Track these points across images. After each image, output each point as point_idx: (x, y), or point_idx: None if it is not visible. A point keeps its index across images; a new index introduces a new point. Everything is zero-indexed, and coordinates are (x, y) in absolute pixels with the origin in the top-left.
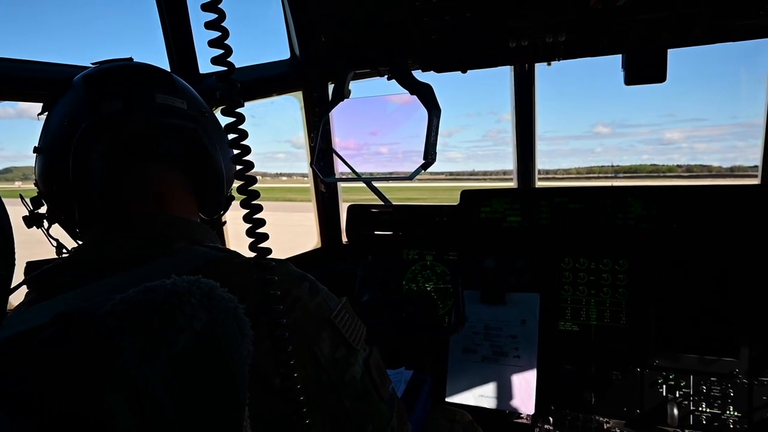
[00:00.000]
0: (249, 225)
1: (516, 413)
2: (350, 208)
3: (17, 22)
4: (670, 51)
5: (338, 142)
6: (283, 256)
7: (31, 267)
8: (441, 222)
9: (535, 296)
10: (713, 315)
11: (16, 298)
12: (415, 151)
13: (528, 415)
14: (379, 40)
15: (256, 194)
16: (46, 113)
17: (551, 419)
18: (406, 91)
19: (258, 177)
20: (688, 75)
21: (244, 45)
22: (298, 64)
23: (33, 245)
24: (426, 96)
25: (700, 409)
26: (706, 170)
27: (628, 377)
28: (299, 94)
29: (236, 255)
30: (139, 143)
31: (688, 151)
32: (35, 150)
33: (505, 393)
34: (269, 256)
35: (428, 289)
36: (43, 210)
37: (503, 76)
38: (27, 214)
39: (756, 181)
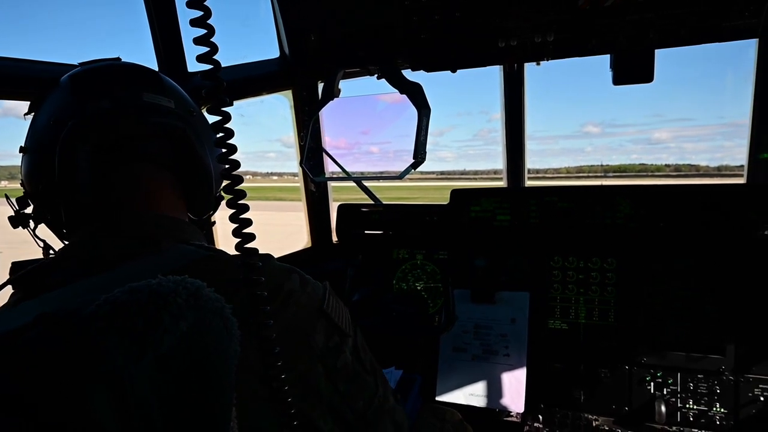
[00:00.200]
0: (235, 225)
1: (506, 411)
2: (340, 208)
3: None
4: (657, 51)
5: (328, 141)
6: (275, 255)
7: (17, 267)
8: (431, 221)
9: (525, 295)
10: (700, 313)
11: (1, 299)
12: (406, 151)
13: (518, 414)
14: (368, 39)
15: (242, 194)
16: (33, 113)
17: (541, 417)
18: (396, 91)
19: (249, 176)
20: (676, 75)
21: (233, 43)
22: (288, 62)
23: (20, 245)
24: (416, 95)
25: (688, 406)
26: (693, 170)
27: (617, 375)
28: (289, 93)
29: (223, 254)
30: (126, 142)
31: (676, 151)
32: (21, 150)
33: (495, 391)
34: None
35: (418, 288)
36: (29, 210)
37: (493, 75)
38: (13, 214)
39: (742, 181)
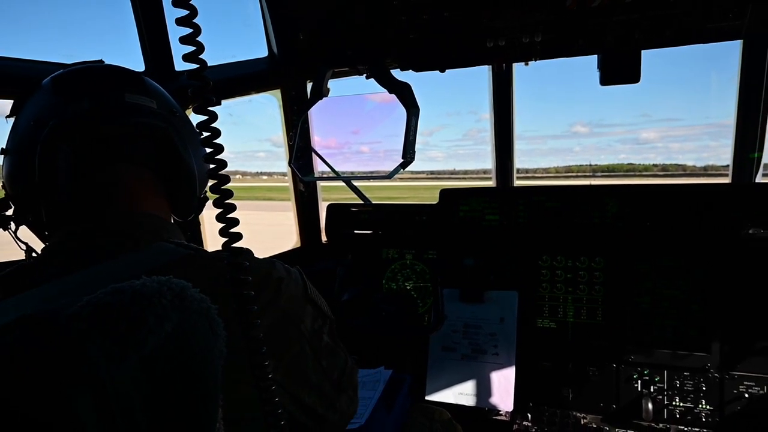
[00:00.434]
0: (222, 224)
1: (495, 410)
2: (329, 208)
3: None
4: (644, 52)
5: (318, 140)
6: (262, 256)
7: None
8: (420, 221)
9: (514, 294)
10: (686, 311)
11: None
12: (396, 150)
13: (507, 412)
14: (357, 39)
15: (229, 193)
16: (14, 116)
17: (530, 416)
18: (385, 90)
19: (238, 176)
20: (664, 76)
21: (222, 42)
22: (276, 62)
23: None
24: (404, 95)
25: (674, 403)
26: (680, 169)
27: (605, 373)
28: (277, 93)
29: (203, 252)
30: (108, 143)
31: (664, 151)
32: (2, 151)
33: (484, 390)
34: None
35: (408, 288)
36: (10, 212)
37: (483, 75)
38: None
39: (727, 180)
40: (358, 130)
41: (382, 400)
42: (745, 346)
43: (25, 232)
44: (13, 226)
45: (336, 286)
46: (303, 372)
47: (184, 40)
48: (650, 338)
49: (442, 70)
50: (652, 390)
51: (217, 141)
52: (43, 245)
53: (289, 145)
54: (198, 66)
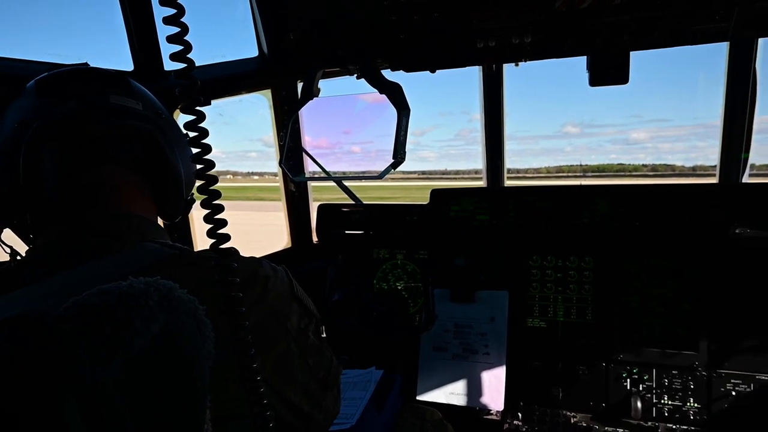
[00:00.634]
0: (210, 225)
1: (486, 410)
2: (320, 208)
3: None
4: (634, 54)
5: (309, 140)
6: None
7: None
8: (411, 221)
9: (504, 294)
10: (674, 310)
11: None
12: (388, 150)
13: (497, 412)
14: (348, 39)
15: (217, 194)
16: None
17: (520, 415)
18: (376, 90)
19: (229, 176)
20: (654, 77)
21: (211, 42)
22: (267, 61)
23: None
24: (395, 95)
25: (663, 401)
26: (670, 169)
27: (594, 372)
28: (268, 93)
29: (189, 252)
30: (93, 144)
31: (653, 151)
32: None
33: (474, 390)
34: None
35: (399, 288)
36: None
37: (475, 75)
38: None
39: (714, 180)
40: (350, 130)
41: (373, 401)
42: (732, 345)
43: (9, 235)
44: None
45: (327, 287)
46: (289, 370)
47: (171, 39)
48: (639, 337)
49: (433, 71)
50: (641, 388)
51: (204, 141)
52: (28, 248)
53: (279, 145)
54: (186, 65)
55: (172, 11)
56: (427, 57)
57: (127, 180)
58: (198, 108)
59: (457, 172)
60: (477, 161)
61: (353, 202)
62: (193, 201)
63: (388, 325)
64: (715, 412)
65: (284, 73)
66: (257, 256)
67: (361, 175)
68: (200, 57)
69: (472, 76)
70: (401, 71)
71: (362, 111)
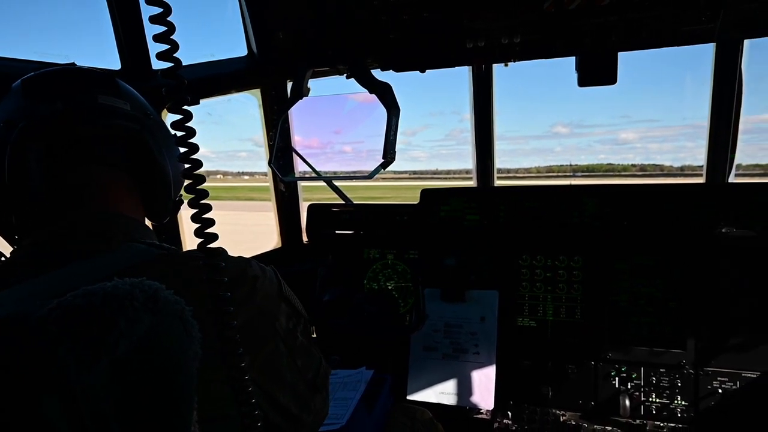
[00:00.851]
0: (198, 225)
1: (476, 409)
2: (310, 208)
3: None
4: (623, 54)
5: (299, 140)
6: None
7: None
8: (401, 221)
9: (494, 293)
10: (662, 309)
11: None
12: (379, 150)
13: (487, 411)
14: (337, 39)
15: (204, 194)
16: None
17: (510, 414)
18: (366, 90)
19: (219, 175)
20: (641, 78)
21: (200, 41)
22: (256, 61)
23: None
24: (385, 95)
25: (651, 399)
26: (658, 169)
27: (583, 370)
28: (257, 92)
29: (176, 252)
30: (80, 145)
31: (642, 151)
32: None
33: (465, 389)
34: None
35: (389, 287)
36: None
37: (465, 76)
38: None
39: (701, 180)
40: (341, 129)
41: (364, 401)
42: (718, 343)
43: None
44: None
45: (317, 287)
46: (278, 371)
47: (158, 37)
48: (627, 336)
49: (423, 71)
50: (629, 387)
51: (192, 140)
52: (12, 249)
53: (269, 145)
54: (173, 64)
55: (158, 10)
56: (416, 57)
57: (114, 180)
58: (185, 107)
59: (448, 172)
60: (468, 161)
61: (343, 202)
62: (182, 202)
63: (378, 325)
64: (702, 410)
65: (273, 72)
66: (247, 256)
67: (351, 175)
68: (189, 56)
69: (462, 76)
70: (391, 71)
71: (352, 111)
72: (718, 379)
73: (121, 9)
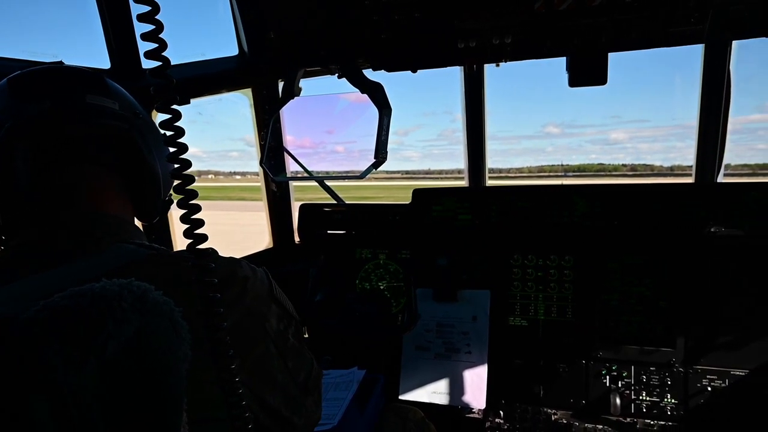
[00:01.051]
0: (187, 225)
1: (468, 408)
2: (302, 208)
3: None
4: (613, 55)
5: (291, 140)
6: (237, 256)
7: None
8: (393, 221)
9: (486, 293)
10: (652, 307)
11: None
12: (371, 150)
13: (479, 410)
14: (329, 38)
15: (193, 194)
16: None
17: (502, 413)
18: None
19: (211, 175)
20: (632, 78)
21: (191, 40)
22: (247, 60)
23: None
24: (377, 95)
25: (641, 397)
26: (648, 169)
27: (574, 369)
28: (248, 92)
29: (166, 252)
30: (68, 144)
31: (633, 151)
32: None
33: (457, 389)
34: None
35: (381, 287)
36: None
37: (457, 75)
38: None
39: (691, 180)
40: (333, 129)
41: (355, 401)
42: (707, 341)
43: None
44: None
45: (309, 287)
46: (268, 372)
47: (146, 36)
48: (618, 335)
49: (414, 71)
50: (619, 385)
51: (181, 140)
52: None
53: (260, 144)
54: (161, 63)
55: (147, 8)
56: (408, 57)
57: (102, 180)
58: (174, 107)
59: (440, 172)
60: (460, 161)
61: (335, 202)
62: (171, 201)
63: (370, 325)
64: (691, 408)
65: (265, 72)
66: (238, 256)
67: (343, 174)
68: (180, 56)
69: (454, 76)
70: (383, 71)
71: (344, 110)
72: (707, 377)
73: (110, 7)
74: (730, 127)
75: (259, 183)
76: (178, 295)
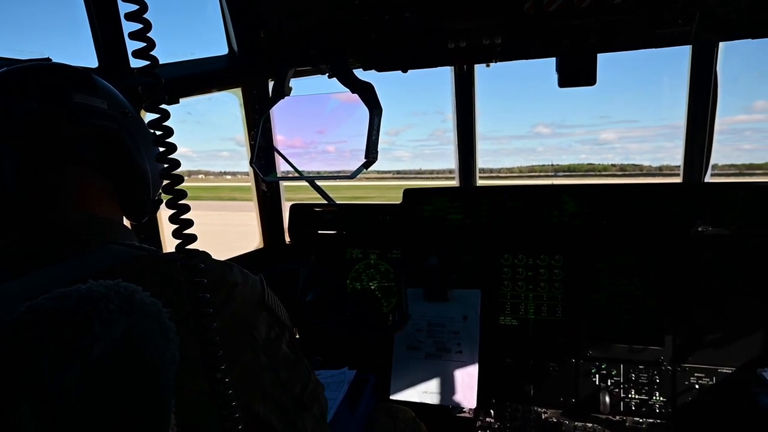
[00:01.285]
0: (176, 226)
1: (459, 407)
2: (293, 208)
3: None
4: (602, 56)
5: (282, 140)
6: (226, 257)
7: None
8: (384, 221)
9: (476, 292)
10: (641, 306)
11: None
12: (363, 150)
13: (470, 409)
14: (319, 38)
15: (182, 194)
16: None
17: (492, 412)
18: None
19: (201, 175)
20: (621, 79)
21: (181, 39)
22: (237, 60)
23: None
24: (367, 95)
25: (630, 395)
26: (637, 169)
27: (564, 368)
28: (238, 91)
29: (156, 253)
30: (55, 144)
31: (622, 151)
32: None
33: (448, 388)
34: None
35: (372, 287)
36: None
37: (448, 75)
38: None
39: (678, 180)
40: (324, 129)
41: (346, 401)
42: (695, 340)
43: None
44: None
45: (300, 287)
46: (257, 380)
47: (134, 35)
48: (607, 333)
49: (405, 71)
50: (609, 383)
51: (169, 140)
52: None
53: (250, 144)
54: (149, 62)
55: (134, 7)
56: (398, 57)
57: (90, 180)
58: (162, 106)
59: (431, 172)
60: (451, 161)
61: (326, 202)
62: (161, 201)
63: (361, 325)
64: (679, 405)
65: (255, 71)
66: (229, 257)
67: (334, 174)
68: (170, 55)
69: (445, 75)
70: (373, 71)
71: (335, 110)
72: (695, 375)
73: (98, 5)
74: (717, 127)
75: (250, 183)
76: (167, 296)
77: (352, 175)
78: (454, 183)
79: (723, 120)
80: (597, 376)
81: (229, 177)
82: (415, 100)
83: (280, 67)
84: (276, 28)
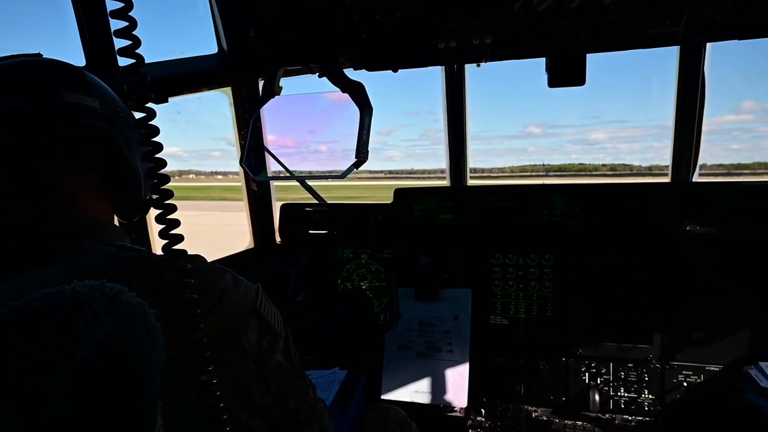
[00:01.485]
0: (162, 226)
1: (449, 407)
2: (283, 207)
3: None
4: (591, 56)
5: (273, 139)
6: (217, 257)
7: None
8: (375, 220)
9: (467, 292)
10: (630, 305)
11: None
12: (354, 150)
13: (461, 409)
14: (309, 37)
15: (169, 193)
16: None
17: (483, 411)
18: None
19: (192, 175)
20: (611, 79)
21: (170, 38)
22: (226, 59)
23: None
24: (358, 94)
25: (619, 393)
26: (627, 169)
27: (554, 367)
28: (228, 90)
29: (147, 254)
30: (45, 144)
31: (612, 151)
32: None
33: (439, 388)
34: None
35: (363, 287)
36: None
37: (439, 75)
38: None
39: (667, 179)
40: (316, 129)
41: (337, 401)
42: (683, 338)
43: None
44: None
45: (290, 287)
46: (244, 389)
47: (119, 33)
48: (597, 332)
49: (395, 70)
50: (598, 382)
51: (155, 139)
52: None
53: (240, 144)
54: (135, 60)
55: (120, 5)
56: (388, 56)
57: (82, 180)
58: (150, 105)
59: (423, 172)
60: (443, 161)
61: (317, 202)
62: (152, 200)
63: (352, 325)
64: (668, 403)
65: (245, 70)
66: (219, 257)
67: (325, 174)
68: (159, 53)
69: (437, 75)
70: (364, 70)
71: (325, 110)
72: (683, 372)
73: (85, 3)
74: (705, 127)
75: (241, 183)
76: (154, 297)
77: (342, 175)
78: (446, 182)
79: (712, 120)
80: (587, 374)
81: (220, 177)
82: (408, 99)
83: (270, 67)
84: (266, 27)
